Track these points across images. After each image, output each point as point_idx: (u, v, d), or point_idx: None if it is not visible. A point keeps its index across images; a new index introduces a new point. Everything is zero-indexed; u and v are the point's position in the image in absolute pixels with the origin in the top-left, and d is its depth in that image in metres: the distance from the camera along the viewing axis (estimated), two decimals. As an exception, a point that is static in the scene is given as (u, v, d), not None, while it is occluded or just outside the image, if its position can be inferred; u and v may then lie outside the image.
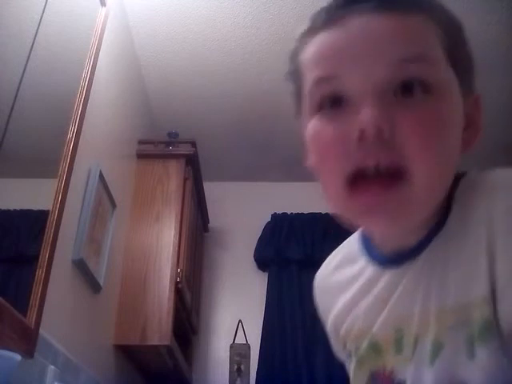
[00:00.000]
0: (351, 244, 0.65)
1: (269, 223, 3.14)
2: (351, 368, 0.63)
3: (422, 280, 0.52)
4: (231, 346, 2.72)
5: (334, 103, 0.49)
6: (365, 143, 0.46)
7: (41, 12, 1.28)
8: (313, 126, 0.51)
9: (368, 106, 0.46)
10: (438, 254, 0.51)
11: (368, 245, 0.61)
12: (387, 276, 0.57)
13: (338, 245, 0.69)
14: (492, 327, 0.42)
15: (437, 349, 0.47)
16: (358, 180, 0.48)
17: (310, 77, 0.51)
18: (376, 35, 0.47)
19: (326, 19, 0.50)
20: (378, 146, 0.45)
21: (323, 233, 3.01)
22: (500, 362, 0.42)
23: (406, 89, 0.47)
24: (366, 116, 0.45)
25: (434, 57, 0.48)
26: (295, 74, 0.55)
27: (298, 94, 0.55)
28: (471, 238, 0.47)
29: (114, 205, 1.96)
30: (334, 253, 0.69)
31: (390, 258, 0.57)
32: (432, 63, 0.47)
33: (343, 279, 0.64)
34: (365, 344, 0.59)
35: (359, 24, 0.48)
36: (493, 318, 0.42)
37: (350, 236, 0.66)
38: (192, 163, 2.50)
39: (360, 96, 0.47)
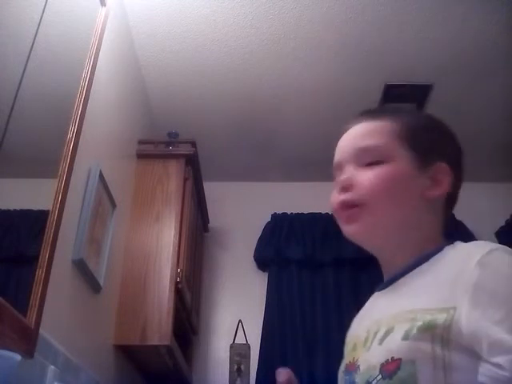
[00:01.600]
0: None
1: (269, 223, 3.14)
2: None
3: (397, 292, 0.78)
4: (231, 346, 2.72)
5: (339, 170, 0.87)
6: (339, 190, 0.83)
7: (41, 12, 1.28)
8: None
9: (343, 172, 0.84)
10: (414, 278, 0.76)
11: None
12: (375, 296, 0.84)
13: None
14: (426, 327, 0.65)
15: (388, 333, 0.70)
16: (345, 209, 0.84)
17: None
18: (354, 135, 0.86)
19: (345, 127, 0.89)
20: (344, 191, 0.82)
21: (323, 233, 3.01)
22: (423, 345, 0.65)
23: (367, 162, 0.82)
24: (340, 178, 0.84)
25: (384, 144, 0.82)
26: None
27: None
28: (443, 273, 0.71)
29: (114, 205, 1.96)
30: None
31: (383, 285, 0.82)
32: (381, 148, 0.81)
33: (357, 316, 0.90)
34: (350, 346, 0.82)
35: (351, 129, 0.87)
36: (431, 323, 0.65)
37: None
38: (192, 163, 2.50)
39: (343, 167, 0.85)
